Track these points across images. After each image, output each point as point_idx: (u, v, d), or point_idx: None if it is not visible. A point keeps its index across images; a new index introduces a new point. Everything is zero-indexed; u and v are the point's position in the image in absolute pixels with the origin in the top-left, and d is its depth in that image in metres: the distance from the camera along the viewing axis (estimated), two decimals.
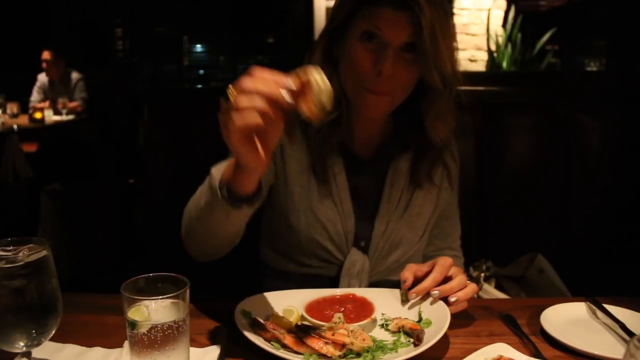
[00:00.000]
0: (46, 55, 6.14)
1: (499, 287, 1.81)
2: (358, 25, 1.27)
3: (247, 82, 0.90)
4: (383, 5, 1.22)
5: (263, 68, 0.93)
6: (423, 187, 1.45)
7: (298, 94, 0.93)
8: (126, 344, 0.97)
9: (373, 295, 1.22)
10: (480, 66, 6.30)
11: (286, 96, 0.91)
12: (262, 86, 0.90)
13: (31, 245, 0.88)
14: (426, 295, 1.19)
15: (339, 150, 1.41)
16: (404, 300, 1.21)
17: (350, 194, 1.41)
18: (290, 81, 0.92)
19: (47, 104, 6.01)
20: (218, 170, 1.11)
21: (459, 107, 1.37)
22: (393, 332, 1.12)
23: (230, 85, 0.92)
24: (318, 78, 0.93)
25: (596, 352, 1.03)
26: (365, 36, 1.26)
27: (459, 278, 1.20)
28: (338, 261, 1.42)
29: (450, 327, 1.07)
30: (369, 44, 1.26)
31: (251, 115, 0.88)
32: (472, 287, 1.21)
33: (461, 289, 1.19)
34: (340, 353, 1.01)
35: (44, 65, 6.19)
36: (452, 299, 1.16)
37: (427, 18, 1.19)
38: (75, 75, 6.32)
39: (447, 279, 1.20)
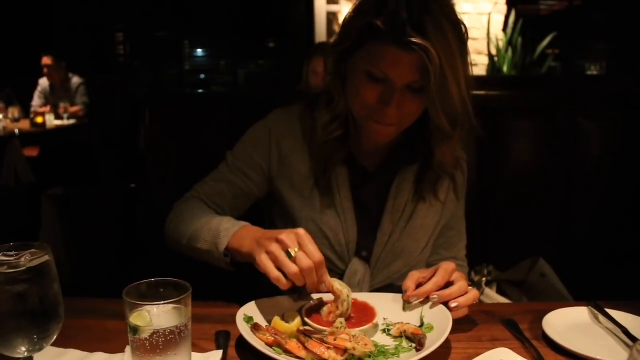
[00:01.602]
0: (47, 60, 6.14)
1: (500, 291, 1.81)
2: (364, 59, 1.25)
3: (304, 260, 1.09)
4: (388, 44, 1.20)
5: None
6: (427, 199, 1.44)
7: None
8: (128, 349, 0.97)
9: (375, 300, 1.22)
10: (480, 70, 6.30)
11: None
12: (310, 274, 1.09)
13: (33, 250, 0.88)
14: (427, 299, 1.19)
15: (343, 160, 1.41)
16: (406, 307, 1.21)
17: (353, 205, 1.41)
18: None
19: (48, 108, 6.02)
20: (227, 234, 1.25)
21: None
22: (395, 337, 1.12)
23: (295, 250, 1.10)
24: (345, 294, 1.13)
25: (598, 357, 1.03)
26: (371, 76, 1.25)
27: (460, 284, 1.19)
28: (339, 270, 1.42)
29: (452, 332, 1.07)
30: (374, 83, 1.25)
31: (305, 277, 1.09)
32: (473, 293, 1.20)
33: (462, 295, 1.18)
34: (342, 358, 1.00)
35: (45, 70, 6.20)
36: (453, 305, 1.16)
37: (436, 63, 1.17)
38: (76, 80, 6.32)
39: (449, 285, 1.20)
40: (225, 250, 1.24)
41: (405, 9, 1.18)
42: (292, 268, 1.08)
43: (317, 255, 1.09)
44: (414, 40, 1.15)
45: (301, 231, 1.12)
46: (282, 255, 1.09)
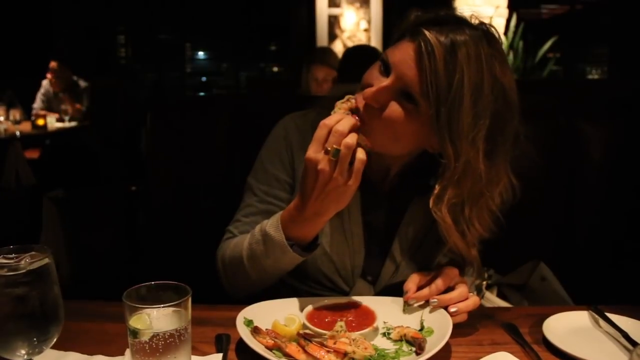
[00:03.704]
0: (53, 64, 6.12)
1: (501, 295, 1.80)
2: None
3: (336, 131, 1.08)
4: (410, 35, 1.14)
5: (327, 120, 1.11)
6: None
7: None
8: (128, 352, 0.97)
9: (375, 303, 1.21)
10: None
11: (354, 120, 1.12)
12: (344, 126, 1.09)
13: (33, 253, 0.88)
14: (427, 303, 1.19)
15: None
16: (406, 309, 1.21)
17: (362, 228, 1.35)
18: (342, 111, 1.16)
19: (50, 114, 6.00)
20: (276, 229, 1.20)
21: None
22: (395, 341, 1.12)
23: (326, 146, 1.09)
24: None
25: None
26: (381, 57, 1.19)
27: (461, 290, 1.19)
28: (343, 291, 1.37)
29: (452, 335, 1.07)
30: (380, 69, 1.19)
31: (359, 156, 1.10)
32: (473, 300, 1.20)
33: (462, 300, 1.18)
34: None
35: (49, 75, 6.17)
36: (452, 310, 1.16)
37: (440, 75, 1.07)
38: (82, 84, 6.31)
39: (450, 289, 1.20)
40: (288, 241, 1.19)
41: (453, 25, 1.12)
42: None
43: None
44: (430, 40, 1.08)
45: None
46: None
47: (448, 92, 1.08)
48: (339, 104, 1.17)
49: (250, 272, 1.29)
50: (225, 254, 1.37)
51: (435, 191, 1.18)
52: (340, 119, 1.10)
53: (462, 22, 1.14)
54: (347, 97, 1.19)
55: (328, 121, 1.10)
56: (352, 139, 1.08)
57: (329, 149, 1.08)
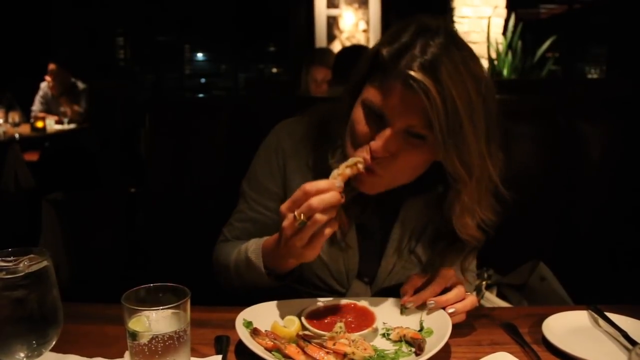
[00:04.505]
0: (52, 66, 6.11)
1: (500, 295, 1.80)
2: (367, 89, 1.17)
3: (309, 205, 1.04)
4: (394, 78, 1.10)
5: (311, 185, 1.06)
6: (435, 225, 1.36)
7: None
8: (127, 354, 0.97)
9: (374, 304, 1.22)
10: None
11: (340, 197, 1.06)
12: (319, 203, 1.03)
13: (32, 255, 0.88)
14: (425, 305, 1.19)
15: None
16: (404, 312, 1.21)
17: (356, 232, 1.35)
18: (338, 184, 1.08)
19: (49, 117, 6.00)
20: (257, 256, 1.25)
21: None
22: (394, 342, 1.12)
23: (295, 212, 1.06)
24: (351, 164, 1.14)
25: None
26: (367, 108, 1.16)
27: (457, 290, 1.19)
28: (339, 293, 1.38)
29: (452, 336, 1.07)
30: (371, 119, 1.16)
31: (324, 231, 1.06)
32: (471, 299, 1.19)
33: (459, 301, 1.18)
34: None
35: (48, 77, 6.16)
36: (450, 311, 1.16)
37: (439, 107, 1.06)
38: (80, 86, 6.31)
39: (447, 291, 1.20)
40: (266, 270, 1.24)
41: (420, 45, 1.10)
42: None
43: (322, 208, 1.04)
44: (419, 79, 1.06)
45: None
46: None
47: (447, 119, 1.07)
48: (342, 167, 1.12)
49: (236, 282, 1.35)
50: (218, 258, 1.44)
51: (455, 205, 1.21)
52: (323, 190, 1.05)
53: (424, 33, 1.12)
54: (354, 160, 1.13)
55: (309, 187, 1.05)
56: (322, 216, 1.04)
57: (296, 216, 1.05)
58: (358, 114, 1.18)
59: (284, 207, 1.09)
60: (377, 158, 1.14)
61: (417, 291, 1.20)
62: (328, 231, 1.07)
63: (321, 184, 1.05)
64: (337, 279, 1.37)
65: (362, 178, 1.17)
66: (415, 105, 1.08)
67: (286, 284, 1.28)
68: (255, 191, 1.43)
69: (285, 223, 1.08)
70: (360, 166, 1.13)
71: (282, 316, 1.17)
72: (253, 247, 1.28)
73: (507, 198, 1.24)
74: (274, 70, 10.29)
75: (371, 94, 1.15)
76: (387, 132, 1.12)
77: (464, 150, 1.11)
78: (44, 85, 6.34)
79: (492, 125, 1.17)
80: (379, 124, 1.15)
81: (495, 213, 1.26)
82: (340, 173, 1.11)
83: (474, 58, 1.16)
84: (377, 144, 1.13)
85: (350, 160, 1.14)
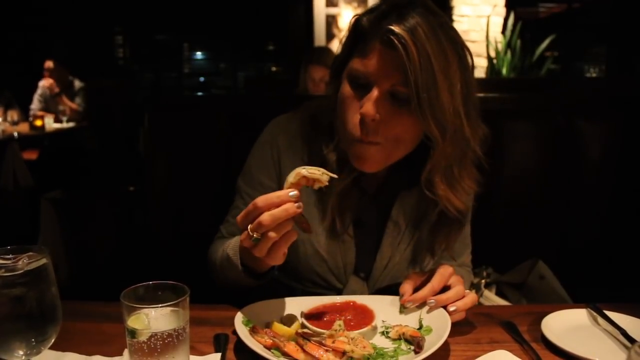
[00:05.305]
0: (49, 64, 6.11)
1: (499, 293, 1.81)
2: (350, 63, 1.21)
3: (259, 222, 1.03)
4: (373, 39, 1.14)
5: (262, 199, 1.04)
6: (430, 221, 1.36)
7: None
8: (126, 352, 0.97)
9: (373, 302, 1.21)
10: (479, 73, 6.31)
11: (294, 208, 1.04)
12: (269, 219, 1.02)
13: (31, 253, 0.88)
14: (425, 303, 1.19)
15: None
16: (403, 310, 1.21)
17: (353, 226, 1.36)
18: (292, 193, 1.04)
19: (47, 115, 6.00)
20: (234, 253, 1.23)
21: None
22: (393, 340, 1.12)
23: (249, 227, 1.06)
24: (306, 172, 1.06)
25: (597, 359, 1.03)
26: (354, 81, 1.19)
27: (457, 288, 1.19)
28: (337, 289, 1.38)
29: (451, 334, 1.06)
30: (358, 91, 1.18)
31: (281, 243, 1.06)
32: (471, 297, 1.20)
33: (459, 299, 1.18)
34: None
35: (46, 74, 6.17)
36: (451, 309, 1.16)
37: (415, 61, 1.08)
38: (77, 84, 6.31)
39: (446, 289, 1.20)
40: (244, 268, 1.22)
41: (397, 11, 1.14)
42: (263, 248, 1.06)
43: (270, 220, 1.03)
44: (397, 32, 1.09)
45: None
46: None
47: (421, 72, 1.09)
48: (294, 174, 1.07)
49: (222, 280, 1.34)
50: (210, 254, 1.43)
51: (427, 167, 1.22)
52: (274, 204, 1.03)
53: (403, 6, 1.15)
54: (312, 169, 1.08)
55: (260, 202, 1.04)
56: (274, 233, 1.03)
57: (251, 233, 1.05)
58: (345, 89, 1.21)
59: (239, 218, 1.10)
60: (370, 128, 1.16)
61: (416, 290, 1.20)
62: (285, 243, 1.07)
63: (273, 197, 1.04)
64: (335, 274, 1.37)
65: (358, 152, 1.21)
66: (394, 62, 1.11)
67: (263, 284, 1.26)
68: (250, 186, 1.44)
69: (242, 236, 1.10)
70: (325, 178, 1.08)
71: (281, 314, 1.17)
72: (232, 244, 1.27)
73: (486, 169, 1.28)
74: (273, 68, 10.29)
75: (354, 63, 1.19)
76: (374, 93, 1.15)
77: (437, 107, 1.12)
78: (42, 84, 6.34)
79: (471, 89, 1.20)
80: (365, 90, 1.17)
81: (477, 183, 1.29)
82: (294, 182, 1.07)
83: (450, 26, 1.19)
84: (366, 107, 1.15)
85: (308, 168, 1.09)
